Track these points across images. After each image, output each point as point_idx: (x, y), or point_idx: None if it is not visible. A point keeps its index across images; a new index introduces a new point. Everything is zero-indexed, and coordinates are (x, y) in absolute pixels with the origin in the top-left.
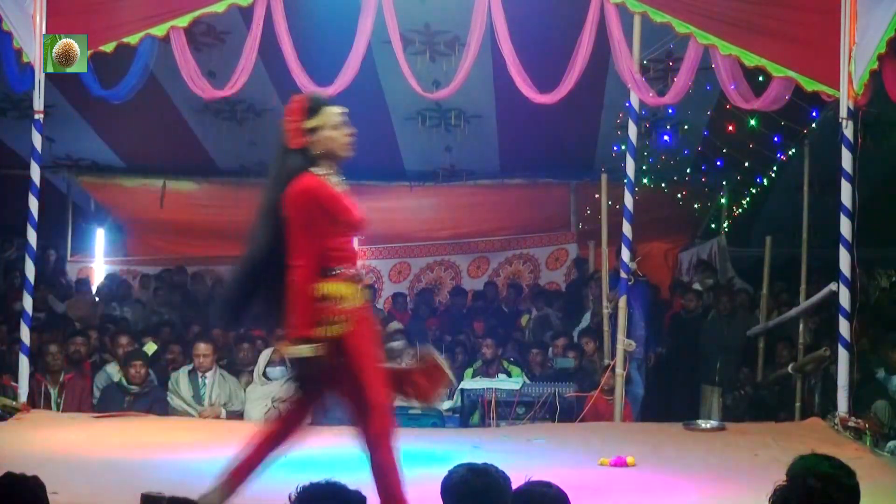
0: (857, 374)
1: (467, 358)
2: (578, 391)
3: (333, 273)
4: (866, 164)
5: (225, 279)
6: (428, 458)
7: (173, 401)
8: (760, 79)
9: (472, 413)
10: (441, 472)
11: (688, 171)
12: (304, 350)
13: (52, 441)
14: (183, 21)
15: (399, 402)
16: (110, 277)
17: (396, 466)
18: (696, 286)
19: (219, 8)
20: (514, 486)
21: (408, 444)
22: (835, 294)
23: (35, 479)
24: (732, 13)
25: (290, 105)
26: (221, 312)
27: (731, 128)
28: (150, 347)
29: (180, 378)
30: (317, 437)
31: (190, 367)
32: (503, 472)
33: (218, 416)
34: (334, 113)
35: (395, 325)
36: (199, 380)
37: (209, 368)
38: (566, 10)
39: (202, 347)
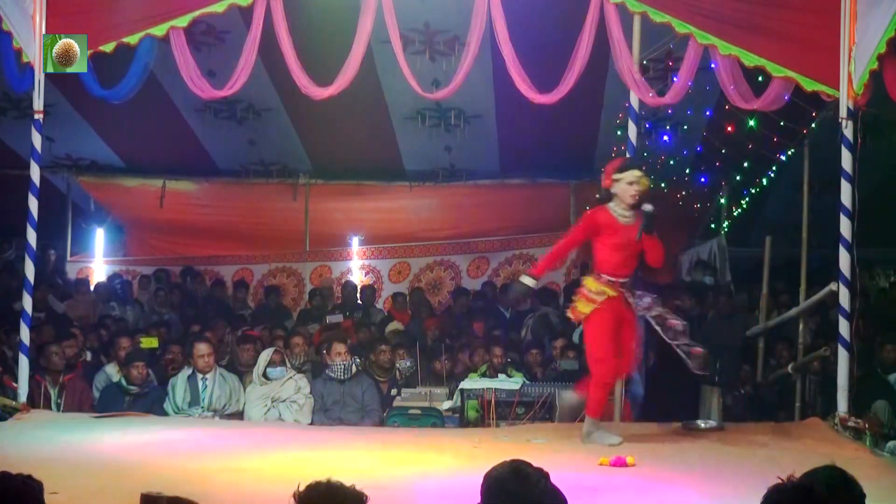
0: (858, 373)
1: (464, 358)
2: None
3: None
4: (866, 164)
5: None
6: (427, 458)
7: (167, 408)
8: (760, 79)
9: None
10: (441, 471)
11: (687, 171)
12: None
13: (52, 441)
14: (183, 21)
15: (399, 402)
16: (112, 278)
17: None
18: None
19: (219, 8)
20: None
21: (408, 443)
22: (834, 294)
23: (29, 477)
24: (732, 13)
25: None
26: None
27: (730, 128)
28: (151, 342)
29: (177, 383)
30: (318, 437)
31: (189, 371)
32: (545, 483)
33: None
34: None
35: (394, 325)
36: (199, 382)
37: (209, 369)
38: (566, 10)
39: (202, 347)
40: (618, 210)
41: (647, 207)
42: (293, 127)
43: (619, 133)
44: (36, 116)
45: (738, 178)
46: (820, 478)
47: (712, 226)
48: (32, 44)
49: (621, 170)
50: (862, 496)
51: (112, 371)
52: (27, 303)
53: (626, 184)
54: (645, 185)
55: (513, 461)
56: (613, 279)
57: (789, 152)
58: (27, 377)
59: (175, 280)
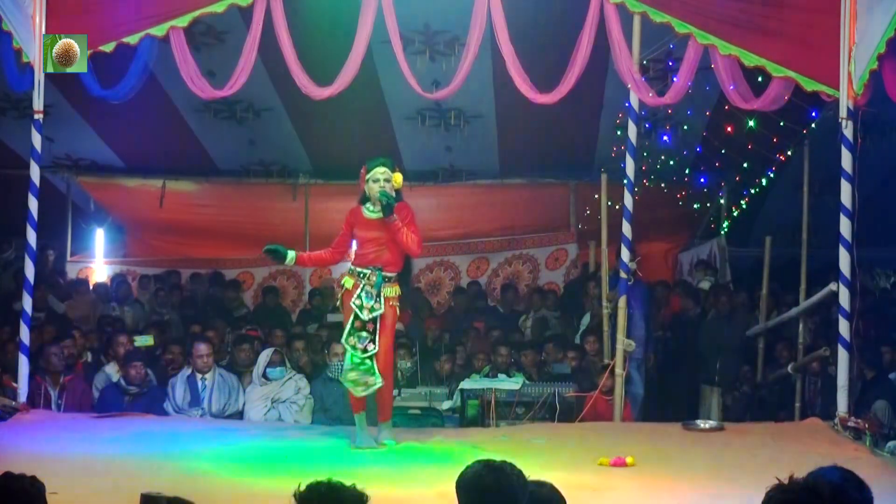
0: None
1: (467, 358)
2: (578, 391)
3: None
4: (866, 164)
5: None
6: (428, 458)
7: (167, 408)
8: (759, 79)
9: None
10: (443, 471)
11: (687, 171)
12: None
13: (52, 441)
14: (183, 21)
15: (399, 402)
16: (114, 278)
17: None
18: (703, 284)
19: (219, 8)
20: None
21: (408, 443)
22: (834, 294)
23: (34, 478)
24: (732, 13)
25: None
26: None
27: (730, 128)
28: (145, 341)
29: (177, 383)
30: (318, 437)
31: (188, 371)
32: (519, 472)
33: None
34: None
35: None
36: (199, 382)
37: (209, 369)
38: (566, 10)
39: (202, 348)
40: (369, 207)
41: (381, 194)
42: (293, 127)
43: (618, 133)
44: (36, 116)
45: (738, 178)
46: (827, 478)
47: (712, 226)
48: (32, 44)
49: (368, 170)
50: (869, 498)
51: (112, 371)
52: (27, 303)
53: (373, 182)
54: (397, 180)
55: (479, 460)
56: (360, 270)
57: (789, 152)
58: (27, 377)
59: (184, 283)
